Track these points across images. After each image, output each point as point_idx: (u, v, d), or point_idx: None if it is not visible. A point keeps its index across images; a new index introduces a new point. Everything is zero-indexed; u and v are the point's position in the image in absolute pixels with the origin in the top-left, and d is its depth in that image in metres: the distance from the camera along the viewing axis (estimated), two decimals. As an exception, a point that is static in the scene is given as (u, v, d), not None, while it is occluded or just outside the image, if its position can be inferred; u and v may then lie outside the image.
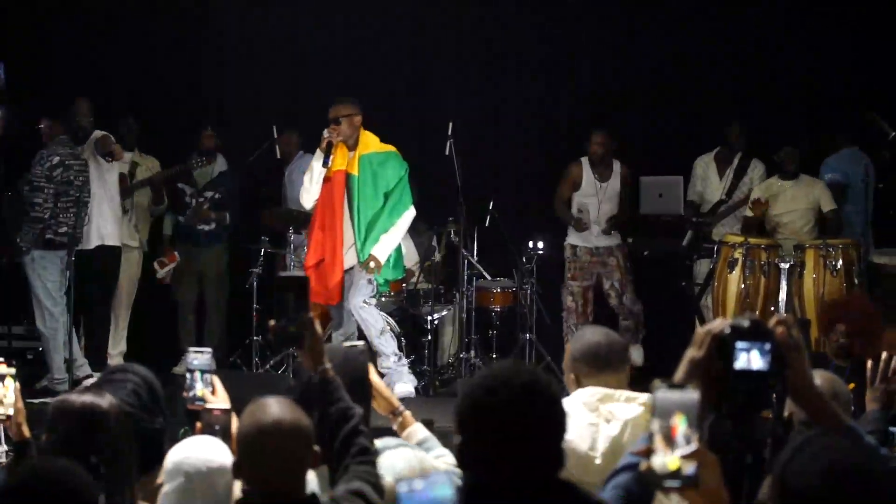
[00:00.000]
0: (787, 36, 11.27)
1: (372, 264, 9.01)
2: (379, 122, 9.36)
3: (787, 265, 9.48)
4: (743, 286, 9.59)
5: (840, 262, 9.39)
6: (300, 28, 11.88)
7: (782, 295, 9.46)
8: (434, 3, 11.87)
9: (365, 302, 9.00)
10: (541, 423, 2.90)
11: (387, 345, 9.09)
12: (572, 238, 10.59)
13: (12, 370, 4.56)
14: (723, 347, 2.77)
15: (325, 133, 8.92)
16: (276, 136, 10.97)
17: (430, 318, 9.95)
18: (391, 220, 9.09)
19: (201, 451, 3.71)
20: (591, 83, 11.76)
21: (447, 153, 9.86)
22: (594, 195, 10.47)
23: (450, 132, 9.88)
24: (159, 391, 4.24)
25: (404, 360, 9.29)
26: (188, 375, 4.29)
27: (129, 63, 11.49)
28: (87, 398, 3.77)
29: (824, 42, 11.13)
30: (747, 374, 2.74)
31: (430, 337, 9.88)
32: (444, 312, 10.37)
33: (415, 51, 12.01)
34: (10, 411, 4.49)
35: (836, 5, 11.06)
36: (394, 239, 9.15)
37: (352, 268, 9.06)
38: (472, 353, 10.10)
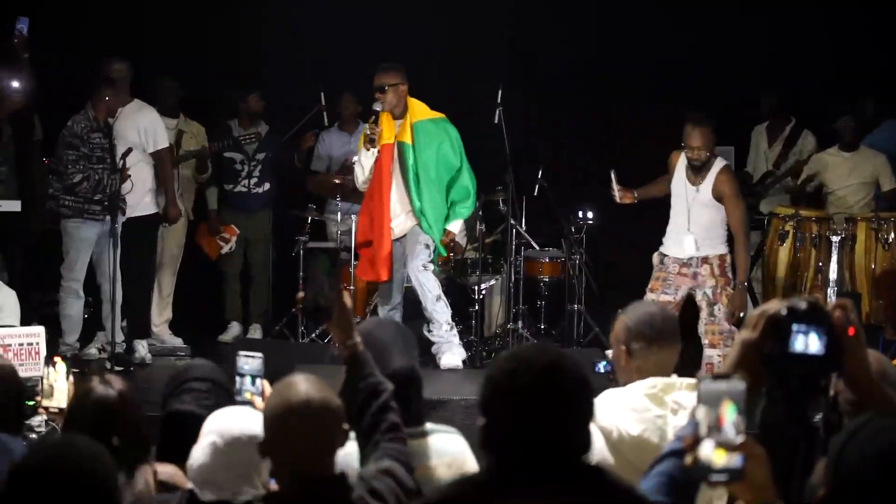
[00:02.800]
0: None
1: (447, 239, 8.94)
2: (425, 88, 9.24)
3: (838, 238, 9.37)
4: (793, 259, 9.50)
5: (892, 235, 9.29)
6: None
7: (833, 268, 9.34)
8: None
9: (423, 266, 8.78)
10: (565, 406, 2.82)
11: (441, 313, 8.84)
12: (665, 247, 8.77)
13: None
14: (778, 329, 2.68)
15: (367, 129, 8.74)
16: (323, 102, 10.88)
17: (477, 287, 9.87)
18: (469, 203, 9.00)
19: (236, 420, 3.67)
20: (643, 50, 11.60)
21: (496, 121, 9.65)
22: (683, 198, 8.63)
23: (499, 100, 9.69)
24: (223, 380, 4.31)
25: (455, 331, 9.06)
26: (238, 379, 4.32)
27: (169, 22, 11.24)
28: (100, 390, 3.86)
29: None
30: (803, 357, 2.65)
31: (477, 307, 9.76)
32: (492, 282, 10.30)
33: (463, 14, 11.85)
34: (63, 404, 4.56)
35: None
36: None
37: (403, 236, 8.86)
38: (520, 323, 10.05)
